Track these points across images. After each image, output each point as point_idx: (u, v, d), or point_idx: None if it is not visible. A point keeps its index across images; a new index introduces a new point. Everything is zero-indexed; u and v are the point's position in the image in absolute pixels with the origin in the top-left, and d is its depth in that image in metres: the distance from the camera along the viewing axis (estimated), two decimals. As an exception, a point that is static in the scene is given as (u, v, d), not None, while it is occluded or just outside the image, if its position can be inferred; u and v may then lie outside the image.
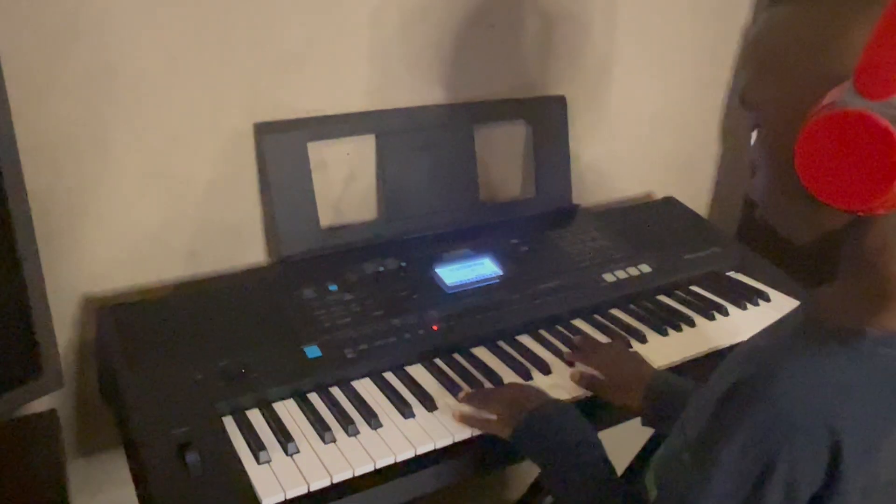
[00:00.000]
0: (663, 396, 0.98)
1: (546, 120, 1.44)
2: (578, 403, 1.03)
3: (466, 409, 0.98)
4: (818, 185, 0.59)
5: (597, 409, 1.04)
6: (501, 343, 1.15)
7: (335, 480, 0.88)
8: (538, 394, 0.97)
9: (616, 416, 1.09)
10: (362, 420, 0.96)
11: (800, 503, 0.60)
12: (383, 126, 1.28)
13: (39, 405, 1.13)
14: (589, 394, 1.05)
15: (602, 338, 1.17)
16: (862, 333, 0.61)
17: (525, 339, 1.16)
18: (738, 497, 0.61)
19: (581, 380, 1.05)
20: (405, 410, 0.98)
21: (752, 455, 0.60)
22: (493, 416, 0.95)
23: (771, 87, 0.64)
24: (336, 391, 1.02)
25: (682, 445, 0.67)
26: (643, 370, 1.04)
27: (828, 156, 0.58)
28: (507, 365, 1.09)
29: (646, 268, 1.34)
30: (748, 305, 1.29)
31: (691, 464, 0.65)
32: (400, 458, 0.92)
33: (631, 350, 1.13)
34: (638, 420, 1.03)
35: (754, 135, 0.67)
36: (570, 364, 1.10)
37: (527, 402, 0.93)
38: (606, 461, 0.86)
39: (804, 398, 0.59)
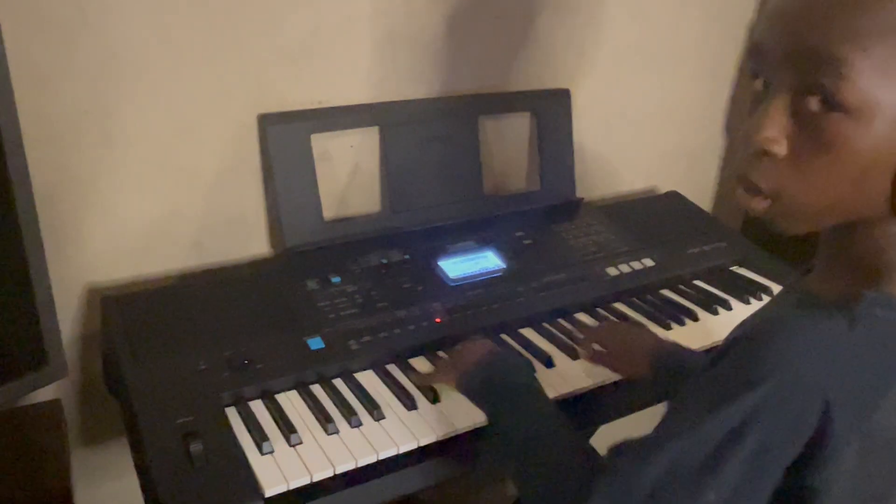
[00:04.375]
0: (668, 363, 1.00)
1: (550, 113, 1.43)
2: (581, 398, 1.04)
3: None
4: None
5: (599, 406, 1.04)
6: (504, 336, 1.15)
7: (338, 471, 0.88)
8: (492, 348, 1.00)
9: (619, 409, 1.10)
10: (365, 411, 0.96)
11: (770, 460, 0.59)
12: (387, 118, 1.28)
13: (44, 394, 1.14)
14: (593, 385, 1.05)
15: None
16: (859, 296, 0.60)
17: (528, 332, 1.16)
18: (716, 439, 0.59)
19: (592, 357, 1.07)
20: (408, 402, 0.98)
21: (737, 404, 0.58)
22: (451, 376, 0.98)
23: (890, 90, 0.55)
24: (339, 383, 1.02)
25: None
26: (647, 339, 1.06)
27: None
28: (510, 358, 1.09)
29: (649, 262, 1.34)
30: (751, 300, 1.28)
31: (685, 409, 0.63)
32: (403, 450, 0.92)
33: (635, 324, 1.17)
34: (638, 418, 1.03)
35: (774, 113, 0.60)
36: (573, 356, 1.10)
37: (478, 355, 0.96)
38: (558, 415, 0.82)
39: (796, 358, 0.58)
